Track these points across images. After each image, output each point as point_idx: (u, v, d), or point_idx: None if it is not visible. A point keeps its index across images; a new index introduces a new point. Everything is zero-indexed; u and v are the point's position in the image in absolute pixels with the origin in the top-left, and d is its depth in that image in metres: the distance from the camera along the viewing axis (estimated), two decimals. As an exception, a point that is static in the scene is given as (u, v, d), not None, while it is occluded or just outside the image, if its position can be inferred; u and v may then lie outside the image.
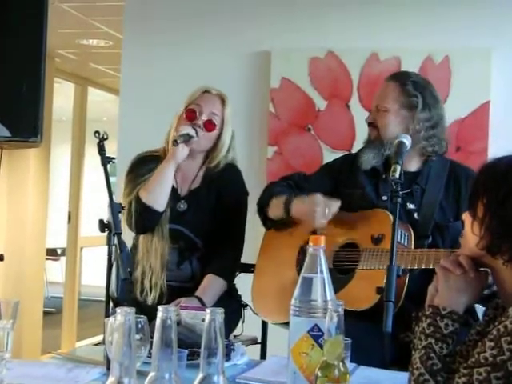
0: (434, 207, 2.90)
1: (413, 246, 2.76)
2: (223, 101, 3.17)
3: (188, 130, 3.06)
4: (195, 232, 3.14)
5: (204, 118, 3.11)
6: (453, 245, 2.77)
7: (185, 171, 3.20)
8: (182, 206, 3.17)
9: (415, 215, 2.90)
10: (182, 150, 3.05)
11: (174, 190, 3.14)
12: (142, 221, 3.07)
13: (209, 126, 3.10)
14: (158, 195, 3.05)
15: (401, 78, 3.05)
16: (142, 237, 3.16)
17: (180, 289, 3.07)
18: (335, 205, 2.87)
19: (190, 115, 3.11)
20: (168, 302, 2.93)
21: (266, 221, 3.13)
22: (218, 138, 3.15)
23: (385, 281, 2.52)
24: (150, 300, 3.05)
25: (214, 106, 3.15)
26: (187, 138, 3.04)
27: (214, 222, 3.14)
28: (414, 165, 2.99)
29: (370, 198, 2.96)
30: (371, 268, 2.77)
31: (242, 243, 3.21)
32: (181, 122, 3.12)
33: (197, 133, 3.07)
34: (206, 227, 3.13)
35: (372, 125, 3.05)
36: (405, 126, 2.94)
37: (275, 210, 3.03)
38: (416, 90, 2.97)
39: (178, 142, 3.01)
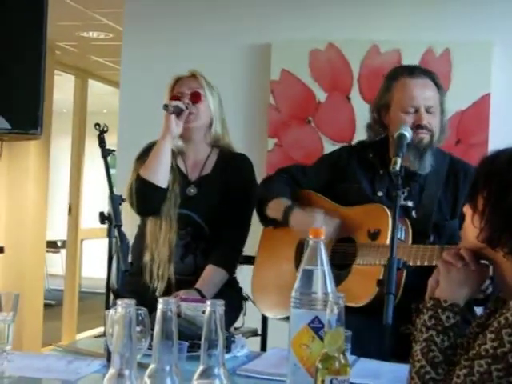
0: (433, 206, 2.85)
1: (410, 240, 2.73)
2: (194, 75, 3.21)
3: (177, 103, 3.10)
4: (204, 218, 3.14)
5: (187, 94, 3.16)
6: (448, 244, 2.75)
7: (195, 157, 3.23)
8: (192, 190, 3.18)
9: (413, 213, 2.85)
10: (177, 125, 3.07)
11: (183, 176, 3.17)
12: (143, 198, 3.08)
13: (195, 97, 3.14)
14: (156, 170, 3.07)
15: (429, 72, 2.92)
16: (149, 222, 3.16)
17: (182, 282, 3.06)
18: (333, 225, 2.84)
19: (175, 98, 3.15)
20: (169, 295, 2.93)
21: (264, 219, 3.10)
22: (209, 107, 3.18)
23: (382, 273, 2.51)
24: (158, 290, 3.04)
25: (190, 83, 3.19)
26: (178, 110, 3.07)
27: (222, 209, 3.14)
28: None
29: (366, 194, 2.92)
30: (368, 263, 2.75)
31: (246, 234, 3.21)
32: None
33: (187, 106, 3.10)
34: (214, 214, 3.13)
35: (426, 128, 2.84)
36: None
37: (274, 212, 3.00)
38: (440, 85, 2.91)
39: (169, 107, 3.04)
